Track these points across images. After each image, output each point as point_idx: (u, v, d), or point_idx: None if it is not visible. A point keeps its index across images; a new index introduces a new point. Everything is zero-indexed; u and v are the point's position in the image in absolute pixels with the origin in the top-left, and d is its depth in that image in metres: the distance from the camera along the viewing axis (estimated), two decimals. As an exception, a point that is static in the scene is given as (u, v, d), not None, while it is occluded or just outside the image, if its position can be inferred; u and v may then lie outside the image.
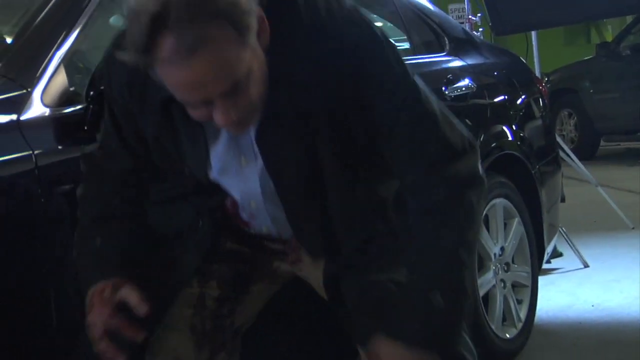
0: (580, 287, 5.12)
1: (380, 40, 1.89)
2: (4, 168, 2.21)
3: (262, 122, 1.87)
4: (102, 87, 2.34)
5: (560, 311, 4.67)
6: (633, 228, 6.56)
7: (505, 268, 3.96)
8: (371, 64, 1.86)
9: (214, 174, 2.01)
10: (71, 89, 2.45)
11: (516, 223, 4.05)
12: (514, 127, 4.15)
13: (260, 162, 1.94)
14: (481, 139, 3.89)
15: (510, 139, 4.09)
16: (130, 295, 1.94)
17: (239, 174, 2.00)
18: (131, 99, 1.95)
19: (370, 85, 1.86)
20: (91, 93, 2.39)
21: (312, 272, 2.19)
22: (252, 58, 1.70)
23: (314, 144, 1.91)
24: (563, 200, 5.04)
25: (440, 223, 1.89)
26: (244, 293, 2.24)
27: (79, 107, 2.41)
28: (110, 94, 2.02)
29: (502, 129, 4.08)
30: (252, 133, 1.90)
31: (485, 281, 3.80)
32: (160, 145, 2.01)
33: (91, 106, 2.40)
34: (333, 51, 1.83)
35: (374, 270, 2.04)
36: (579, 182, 7.06)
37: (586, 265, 5.57)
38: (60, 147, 2.35)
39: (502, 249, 3.95)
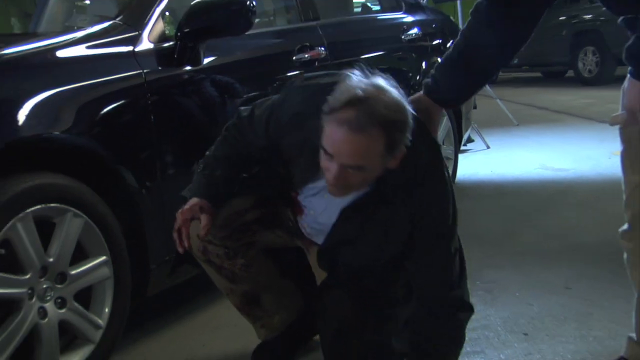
0: (484, 160, 5.15)
1: (449, 200, 1.72)
2: (125, 81, 2.18)
3: (352, 204, 1.77)
4: (187, 30, 2.30)
5: (471, 175, 4.70)
6: (517, 124, 6.60)
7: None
8: (437, 213, 1.72)
9: (300, 195, 1.89)
10: (166, 31, 2.41)
11: (446, 119, 3.93)
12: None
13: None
14: (423, 66, 3.87)
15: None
16: (205, 218, 1.85)
17: (322, 200, 1.85)
18: (288, 125, 1.77)
19: (428, 225, 1.72)
20: (178, 34, 2.35)
21: (312, 259, 2.01)
22: (380, 166, 1.61)
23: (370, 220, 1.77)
24: (475, 107, 5.04)
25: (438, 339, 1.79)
26: (267, 230, 2.03)
27: (171, 43, 2.37)
28: (269, 113, 1.84)
29: (437, 59, 3.98)
30: (341, 203, 1.78)
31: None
32: (271, 160, 1.89)
33: (178, 42, 2.34)
34: (419, 199, 1.70)
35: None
36: (485, 96, 7.04)
37: (488, 147, 5.61)
38: (159, 68, 2.30)
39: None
